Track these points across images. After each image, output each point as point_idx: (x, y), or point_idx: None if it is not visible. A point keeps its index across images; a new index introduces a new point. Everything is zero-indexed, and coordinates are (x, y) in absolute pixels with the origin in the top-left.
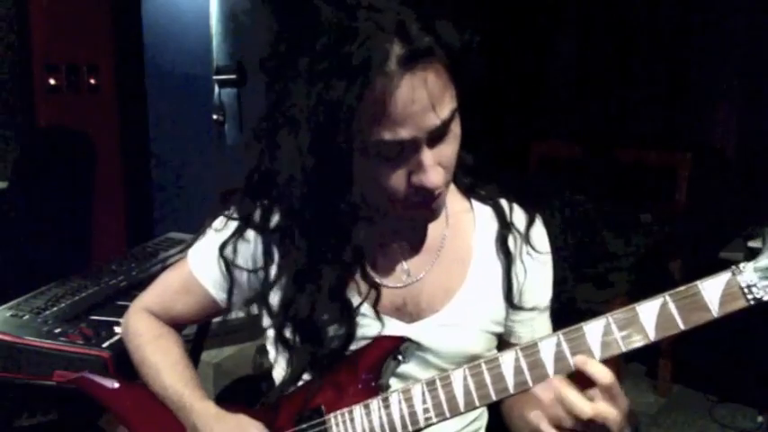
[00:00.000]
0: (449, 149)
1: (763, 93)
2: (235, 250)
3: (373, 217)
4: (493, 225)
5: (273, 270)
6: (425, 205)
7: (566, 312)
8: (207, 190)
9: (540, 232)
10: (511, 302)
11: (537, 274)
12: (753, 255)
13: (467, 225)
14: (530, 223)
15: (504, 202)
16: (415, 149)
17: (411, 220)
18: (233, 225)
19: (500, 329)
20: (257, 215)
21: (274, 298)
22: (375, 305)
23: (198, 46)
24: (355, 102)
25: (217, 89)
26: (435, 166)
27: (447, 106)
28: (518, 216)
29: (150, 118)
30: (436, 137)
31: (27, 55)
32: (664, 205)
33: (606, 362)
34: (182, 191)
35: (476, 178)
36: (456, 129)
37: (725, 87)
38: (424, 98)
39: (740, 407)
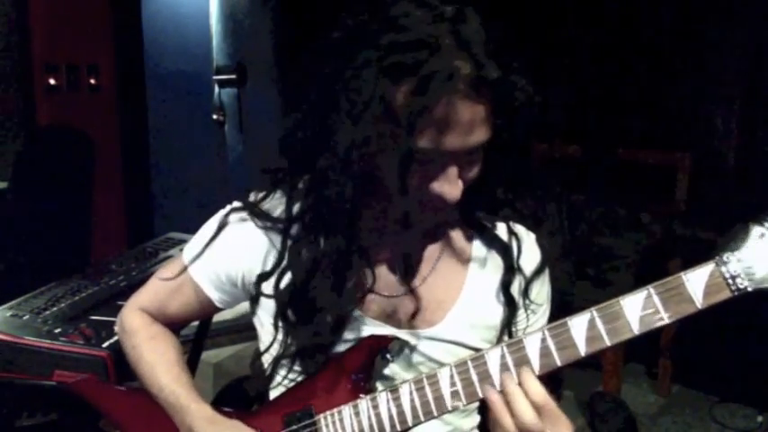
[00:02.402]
0: (474, 165)
1: (763, 93)
2: (234, 246)
3: (390, 216)
4: (496, 262)
5: (278, 256)
6: (434, 211)
7: (565, 312)
8: (207, 190)
9: (545, 280)
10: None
11: (537, 318)
12: None
13: (464, 245)
14: (537, 272)
15: (514, 244)
16: (447, 161)
17: (417, 221)
18: (233, 221)
19: (489, 345)
20: (270, 205)
21: (281, 281)
22: (364, 309)
23: (198, 46)
24: (416, 108)
25: (217, 89)
26: (458, 180)
27: (489, 130)
28: (527, 258)
29: (150, 118)
30: (469, 154)
31: (27, 55)
32: (664, 205)
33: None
34: (182, 191)
35: (481, 204)
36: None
37: (725, 87)
38: (475, 119)
39: (740, 407)
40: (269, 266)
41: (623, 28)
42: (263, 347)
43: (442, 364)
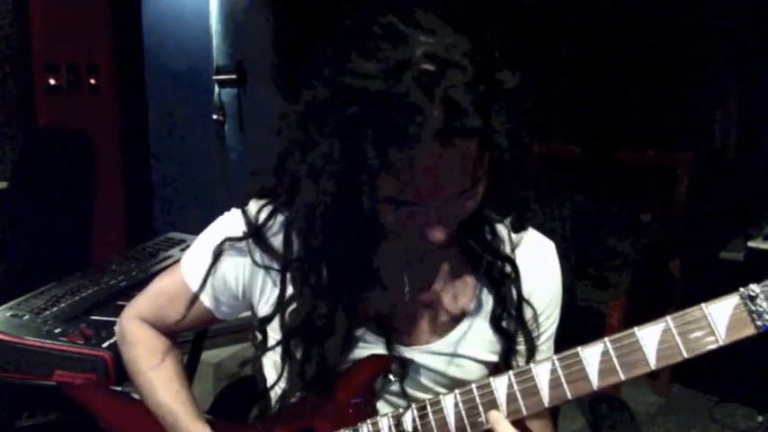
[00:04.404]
0: (466, 200)
1: (763, 93)
2: (232, 260)
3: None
4: (489, 300)
5: (278, 295)
6: (425, 245)
7: (565, 311)
8: (207, 190)
9: (550, 302)
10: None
11: (545, 329)
12: (753, 255)
13: (473, 260)
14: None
15: (508, 276)
16: (424, 207)
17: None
18: (233, 233)
19: (496, 359)
20: (265, 225)
21: (284, 317)
22: (370, 326)
23: (198, 46)
24: (379, 161)
25: (217, 89)
26: (439, 225)
27: (472, 176)
28: (528, 287)
29: (150, 118)
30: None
31: (27, 55)
32: (664, 205)
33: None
34: (182, 191)
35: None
36: (477, 187)
37: (725, 87)
38: (450, 170)
39: (740, 407)
40: (267, 294)
41: (623, 28)
42: (272, 375)
43: (447, 377)
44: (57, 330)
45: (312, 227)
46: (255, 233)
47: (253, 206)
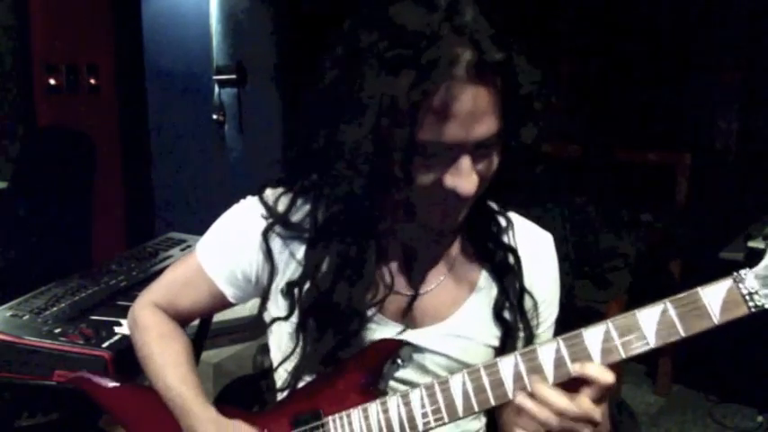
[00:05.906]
0: (489, 161)
1: (764, 93)
2: (249, 244)
3: (400, 215)
4: (492, 287)
5: (303, 268)
6: (448, 211)
7: (565, 311)
8: (207, 190)
9: (548, 288)
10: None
11: (545, 317)
12: (753, 255)
13: (479, 244)
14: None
15: (511, 267)
16: (457, 153)
17: (429, 227)
18: (249, 217)
19: (498, 340)
20: (288, 208)
21: (303, 291)
22: (381, 308)
23: (198, 46)
24: (417, 98)
25: (217, 89)
26: (472, 173)
27: (499, 120)
28: (529, 279)
29: (150, 118)
30: (481, 147)
31: (27, 55)
32: (664, 205)
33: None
34: (182, 191)
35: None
36: (499, 145)
37: (725, 87)
38: (481, 108)
39: (740, 407)
40: (282, 274)
41: (623, 28)
42: (278, 356)
43: (452, 359)
44: (57, 330)
45: (345, 186)
46: (280, 216)
47: (270, 193)
